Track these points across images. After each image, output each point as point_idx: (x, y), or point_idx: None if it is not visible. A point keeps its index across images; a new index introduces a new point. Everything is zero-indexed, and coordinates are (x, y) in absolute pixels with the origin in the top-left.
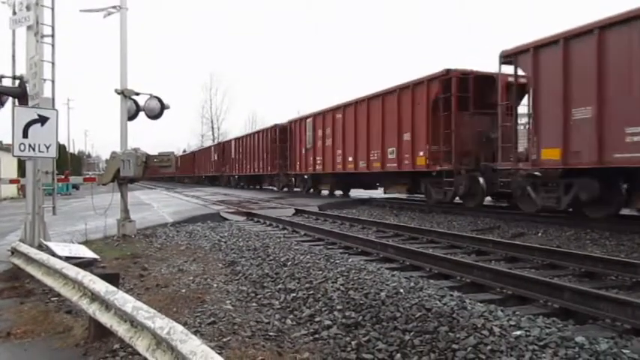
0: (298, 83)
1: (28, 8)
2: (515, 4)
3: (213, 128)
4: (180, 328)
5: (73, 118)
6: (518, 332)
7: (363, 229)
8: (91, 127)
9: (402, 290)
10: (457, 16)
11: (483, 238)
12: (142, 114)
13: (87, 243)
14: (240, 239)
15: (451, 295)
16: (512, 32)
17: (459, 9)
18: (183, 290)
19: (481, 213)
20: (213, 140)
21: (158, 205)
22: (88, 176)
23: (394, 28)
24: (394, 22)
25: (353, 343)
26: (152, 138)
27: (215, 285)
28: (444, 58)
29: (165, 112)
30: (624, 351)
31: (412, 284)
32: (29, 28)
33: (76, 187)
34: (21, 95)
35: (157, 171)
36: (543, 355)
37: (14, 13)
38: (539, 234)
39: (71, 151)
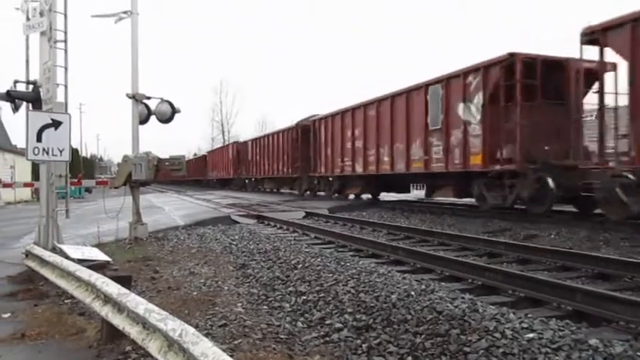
0: (308, 86)
1: (41, 14)
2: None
3: (223, 131)
4: (191, 330)
5: (85, 122)
6: (531, 335)
7: (373, 232)
8: (102, 131)
9: (412, 293)
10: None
11: (495, 240)
12: (153, 118)
13: (99, 246)
14: (250, 242)
15: (462, 298)
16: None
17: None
18: (195, 293)
19: (493, 215)
20: (223, 143)
21: (169, 208)
22: (100, 179)
23: (405, 29)
24: (405, 24)
25: (364, 345)
26: (163, 141)
27: (226, 288)
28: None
29: (176, 115)
30: None
31: (423, 287)
32: (42, 33)
33: (88, 190)
34: (35, 100)
35: (169, 175)
36: (557, 357)
37: (27, 19)
38: (552, 236)
39: (83, 154)
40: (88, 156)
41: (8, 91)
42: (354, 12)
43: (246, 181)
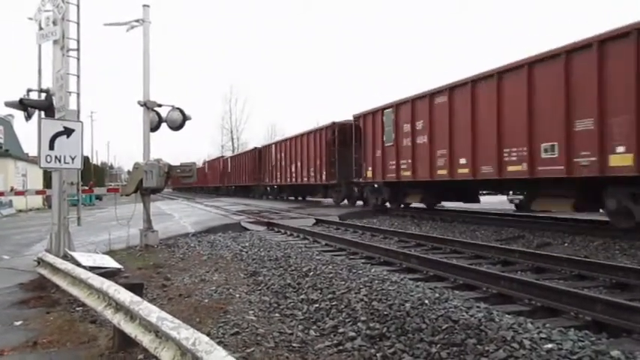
0: (316, 94)
1: (54, 23)
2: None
3: (232, 139)
4: (205, 338)
5: (95, 130)
6: (550, 345)
7: (384, 239)
8: (112, 139)
9: (426, 301)
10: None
11: (508, 248)
12: (163, 125)
13: (110, 253)
14: (261, 249)
15: (478, 307)
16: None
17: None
18: (206, 300)
19: (505, 222)
20: (233, 151)
21: (179, 216)
22: (111, 187)
23: (415, 36)
24: (416, 30)
25: (378, 355)
26: (172, 149)
27: (237, 295)
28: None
29: (187, 122)
30: None
31: (437, 295)
32: (56, 42)
33: (99, 197)
34: (47, 108)
35: (179, 182)
36: None
37: (40, 28)
38: (566, 244)
39: (94, 162)
40: (99, 163)
41: (21, 99)
42: (365, 21)
43: (269, 188)
